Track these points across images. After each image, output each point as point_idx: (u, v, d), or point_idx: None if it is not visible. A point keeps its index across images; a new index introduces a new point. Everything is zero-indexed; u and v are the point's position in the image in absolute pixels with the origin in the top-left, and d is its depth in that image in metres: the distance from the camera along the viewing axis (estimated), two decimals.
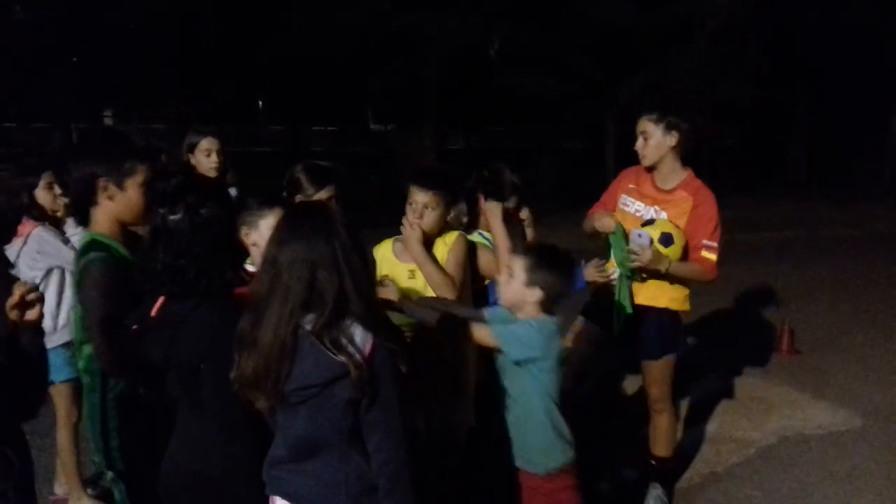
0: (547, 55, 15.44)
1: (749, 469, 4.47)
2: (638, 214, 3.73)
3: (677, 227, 3.55)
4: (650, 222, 3.58)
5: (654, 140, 3.62)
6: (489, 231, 3.33)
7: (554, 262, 2.68)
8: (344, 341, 1.88)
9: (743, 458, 4.62)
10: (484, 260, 3.26)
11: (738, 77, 16.19)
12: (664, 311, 3.69)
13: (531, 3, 14.99)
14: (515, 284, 2.68)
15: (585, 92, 16.21)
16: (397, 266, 3.10)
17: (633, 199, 3.77)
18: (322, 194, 3.06)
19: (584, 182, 14.05)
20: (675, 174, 3.68)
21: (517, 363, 2.63)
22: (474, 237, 3.40)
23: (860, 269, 10.67)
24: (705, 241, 3.58)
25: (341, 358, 1.86)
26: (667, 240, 3.47)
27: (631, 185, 3.81)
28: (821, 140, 23.06)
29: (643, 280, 3.62)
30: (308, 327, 1.89)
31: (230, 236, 2.30)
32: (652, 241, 3.45)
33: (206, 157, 3.98)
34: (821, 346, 6.82)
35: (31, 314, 2.06)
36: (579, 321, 3.98)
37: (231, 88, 18.49)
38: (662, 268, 3.48)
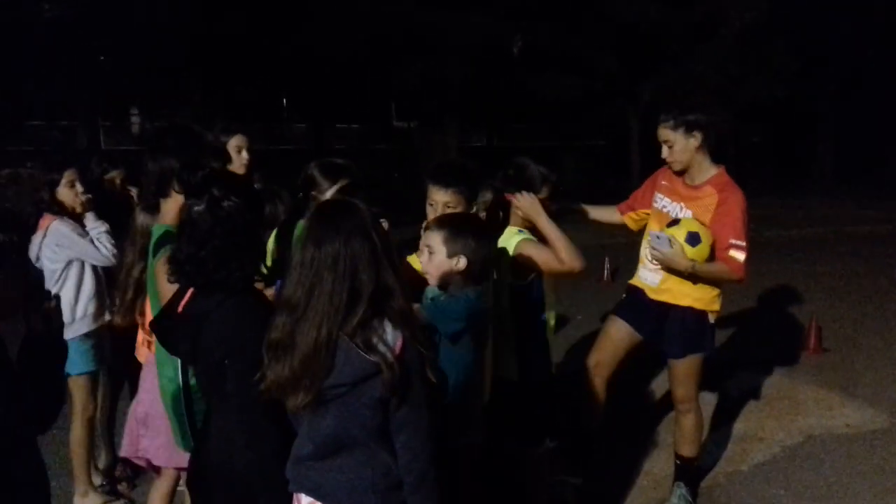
0: (570, 54, 15.39)
1: (775, 468, 4.44)
2: (665, 210, 3.74)
3: (704, 224, 3.53)
4: (675, 222, 3.58)
5: (678, 146, 3.60)
6: (525, 227, 3.29)
7: (470, 228, 2.59)
8: (375, 340, 1.88)
9: (769, 456, 4.59)
10: (535, 253, 3.13)
11: (764, 75, 16.02)
12: (688, 311, 3.67)
13: (554, 2, 14.94)
14: (438, 259, 2.56)
15: (609, 90, 16.12)
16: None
17: (662, 196, 3.79)
18: (336, 188, 3.02)
19: (607, 180, 14.02)
20: (705, 171, 3.66)
21: (451, 339, 2.51)
22: (514, 234, 3.27)
23: (887, 267, 10.54)
24: (732, 241, 3.53)
25: (373, 357, 1.86)
26: (693, 239, 3.45)
27: (664, 182, 3.82)
28: (847, 138, 22.76)
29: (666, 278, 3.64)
30: (345, 327, 1.89)
31: (253, 231, 2.28)
32: (671, 242, 3.45)
33: (237, 154, 4.01)
34: (848, 345, 6.76)
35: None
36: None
37: (255, 86, 18.63)
38: (684, 269, 3.47)
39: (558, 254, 3.07)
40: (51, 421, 2.18)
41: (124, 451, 3.15)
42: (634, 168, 15.96)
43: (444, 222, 2.60)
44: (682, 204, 3.67)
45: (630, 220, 4.08)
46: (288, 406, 1.95)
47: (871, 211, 16.33)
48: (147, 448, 2.98)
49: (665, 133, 3.62)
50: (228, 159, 3.49)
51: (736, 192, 3.61)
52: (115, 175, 4.25)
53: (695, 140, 3.58)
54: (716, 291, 3.69)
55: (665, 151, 3.66)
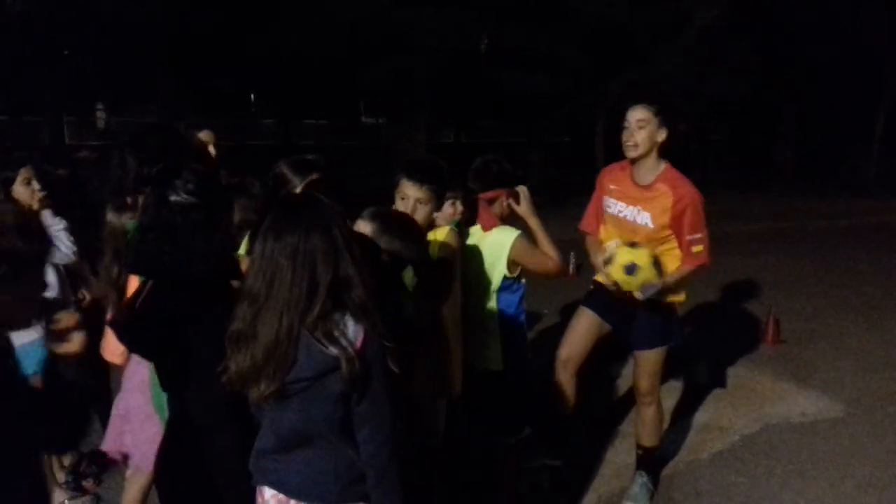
0: (537, 51, 15.50)
1: (733, 456, 4.57)
2: (622, 215, 3.74)
3: (635, 245, 3.53)
4: (609, 261, 3.54)
5: (648, 131, 3.60)
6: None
7: (398, 227, 2.57)
8: (336, 334, 1.89)
9: (728, 445, 4.72)
10: (530, 252, 3.29)
11: (726, 73, 16.29)
12: (655, 304, 3.70)
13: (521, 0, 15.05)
14: None
15: (575, 87, 16.26)
16: None
17: (615, 200, 3.77)
18: (307, 184, 3.03)
19: (573, 176, 14.17)
20: (654, 168, 3.69)
21: None
22: (510, 231, 3.36)
23: (845, 261, 10.82)
24: (690, 237, 3.60)
25: (333, 351, 1.87)
26: (630, 269, 3.46)
27: (612, 186, 3.81)
28: (808, 135, 23.23)
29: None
30: (305, 319, 1.89)
31: (215, 226, 2.25)
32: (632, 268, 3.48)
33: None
34: (806, 336, 6.94)
35: (69, 346, 2.11)
36: None
37: (223, 82, 18.47)
38: (662, 286, 3.55)
39: (548, 254, 3.23)
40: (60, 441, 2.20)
41: (106, 445, 3.15)
42: (599, 165, 16.09)
43: (376, 216, 2.56)
44: (639, 207, 3.67)
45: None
46: (250, 398, 1.94)
47: (830, 206, 16.71)
48: (129, 444, 3.00)
49: (644, 113, 3.60)
50: (209, 159, 3.49)
51: (689, 186, 3.65)
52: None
53: (662, 134, 3.63)
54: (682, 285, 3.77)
55: (630, 133, 3.62)
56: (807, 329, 7.17)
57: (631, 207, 3.70)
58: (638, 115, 3.61)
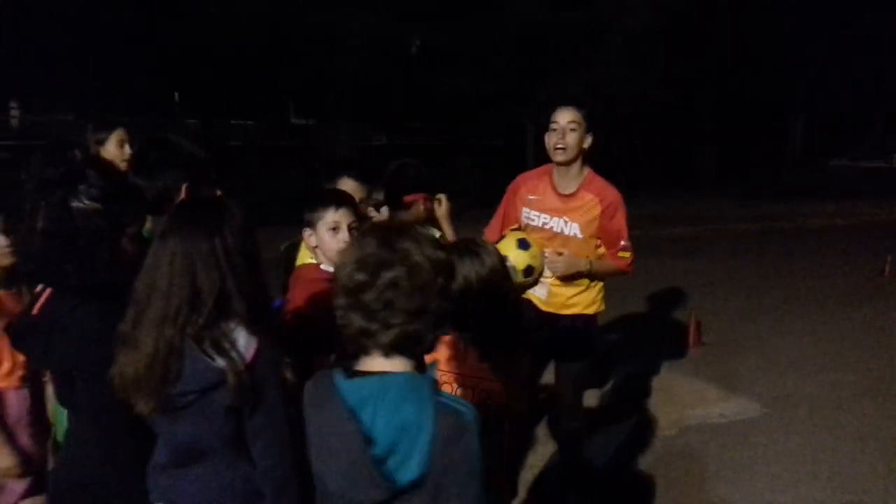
0: (466, 54, 15.58)
1: (653, 458, 4.66)
2: (547, 227, 3.60)
3: (525, 248, 3.33)
4: (525, 245, 3.33)
5: (579, 134, 3.47)
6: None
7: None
8: (226, 345, 1.81)
9: (648, 447, 4.81)
10: None
11: (650, 79, 16.69)
12: (578, 318, 3.65)
13: (450, 2, 15.09)
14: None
15: (504, 91, 16.40)
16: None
17: (537, 213, 3.62)
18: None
19: (503, 179, 14.26)
20: (577, 175, 3.57)
21: None
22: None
23: (762, 264, 11.23)
24: (618, 244, 3.56)
25: (220, 363, 1.79)
26: (523, 244, 3.32)
27: (531, 197, 3.65)
28: (728, 140, 24.02)
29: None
30: (188, 330, 1.81)
31: (121, 232, 2.13)
32: (530, 270, 3.34)
33: (118, 149, 3.84)
34: (725, 338, 7.15)
35: None
36: None
37: (144, 80, 17.92)
38: (584, 269, 3.49)
39: None
40: None
41: None
42: (529, 169, 16.32)
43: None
44: (565, 218, 3.54)
45: None
46: (138, 411, 1.84)
47: (748, 210, 17.32)
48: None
49: (574, 114, 3.46)
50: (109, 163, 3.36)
51: (614, 194, 3.55)
52: None
53: (589, 139, 3.51)
54: (601, 294, 3.71)
55: (560, 135, 3.46)
56: (727, 331, 7.39)
57: (557, 219, 3.56)
58: (569, 117, 3.46)
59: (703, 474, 4.46)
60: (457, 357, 2.28)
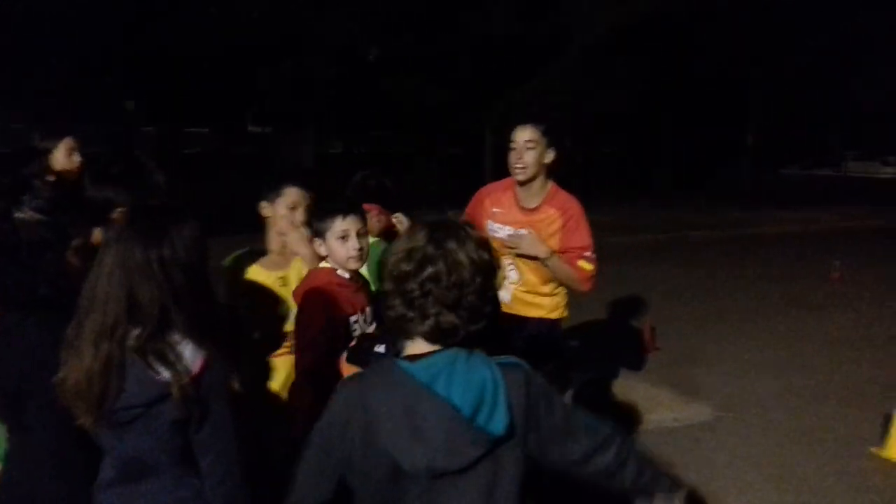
0: (427, 63, 15.63)
1: None
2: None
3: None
4: None
5: (538, 151, 3.45)
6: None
7: None
8: (171, 358, 1.77)
9: None
10: None
11: (610, 88, 16.91)
12: (541, 322, 3.65)
13: (413, 12, 15.13)
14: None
15: (464, 100, 16.47)
16: (267, 276, 3.07)
17: (500, 225, 3.62)
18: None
19: (463, 188, 14.31)
20: (540, 190, 3.56)
21: None
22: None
23: (718, 270, 11.44)
24: (583, 253, 3.50)
25: (165, 376, 1.75)
26: None
27: (495, 209, 3.66)
28: (687, 149, 24.45)
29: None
30: (130, 342, 1.77)
31: (63, 244, 2.07)
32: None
33: (67, 158, 3.76)
34: (680, 343, 7.25)
35: None
36: None
37: (98, 86, 17.61)
38: (544, 254, 3.41)
39: None
40: None
41: None
42: (488, 177, 16.38)
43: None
44: (528, 230, 3.53)
45: None
46: (81, 424, 1.80)
47: (706, 218, 17.63)
48: None
49: (532, 133, 3.44)
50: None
51: (576, 207, 3.55)
52: None
53: (550, 155, 3.49)
54: (565, 300, 3.70)
55: (518, 154, 3.46)
56: (682, 337, 7.50)
57: (505, 226, 3.59)
58: (526, 136, 3.44)
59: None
60: None
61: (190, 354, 1.81)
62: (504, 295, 3.62)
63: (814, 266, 11.60)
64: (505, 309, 3.62)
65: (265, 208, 3.06)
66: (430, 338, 1.69)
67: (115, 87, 18.36)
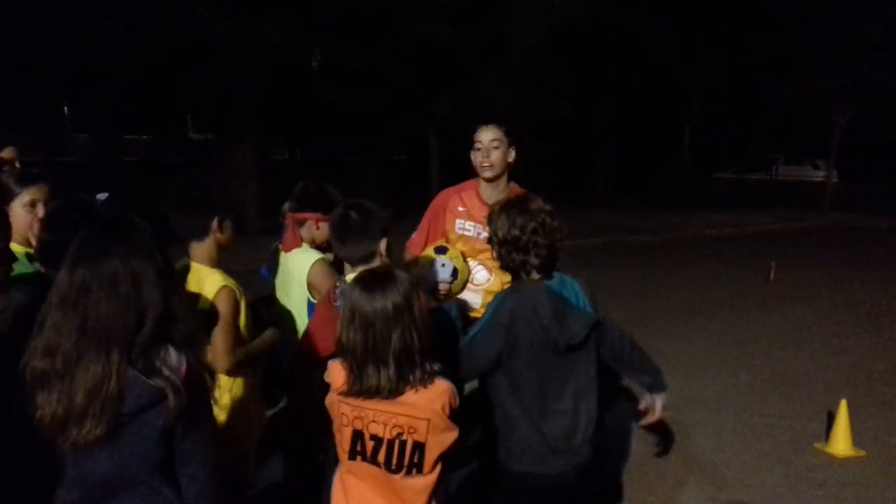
0: (367, 69, 15.55)
1: None
2: (467, 234, 3.68)
3: (463, 258, 3.53)
4: (443, 250, 3.49)
5: (503, 150, 3.55)
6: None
7: None
8: (158, 364, 1.75)
9: None
10: (319, 275, 3.29)
11: (548, 94, 17.10)
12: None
13: (352, 17, 15.04)
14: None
15: (406, 105, 16.44)
16: None
17: (462, 220, 3.70)
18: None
19: (408, 194, 14.30)
20: (503, 189, 3.66)
21: None
22: (307, 253, 3.37)
23: (658, 272, 11.68)
24: None
25: (157, 382, 1.72)
26: (454, 274, 3.43)
27: (461, 208, 3.73)
28: (624, 154, 24.91)
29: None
30: (134, 352, 1.75)
31: None
32: (456, 272, 3.43)
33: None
34: None
35: None
36: None
37: (31, 91, 17.02)
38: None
39: None
40: None
41: None
42: (434, 182, 16.39)
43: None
44: (483, 224, 3.47)
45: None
46: (69, 442, 1.72)
47: (642, 222, 17.99)
48: None
49: (496, 132, 3.54)
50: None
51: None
52: None
53: (512, 154, 3.59)
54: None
55: (485, 153, 3.55)
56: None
57: (477, 225, 3.66)
58: (491, 136, 3.54)
59: (609, 480, 4.56)
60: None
61: (175, 359, 1.78)
62: (474, 298, 3.63)
63: (750, 267, 11.96)
64: (474, 315, 3.57)
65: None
66: (539, 270, 2.65)
67: (49, 92, 17.77)
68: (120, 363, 1.71)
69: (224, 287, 2.76)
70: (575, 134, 23.17)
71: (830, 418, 5.25)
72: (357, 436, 2.30)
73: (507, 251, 2.64)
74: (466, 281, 3.55)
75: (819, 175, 24.86)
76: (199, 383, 1.83)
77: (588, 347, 2.68)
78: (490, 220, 2.76)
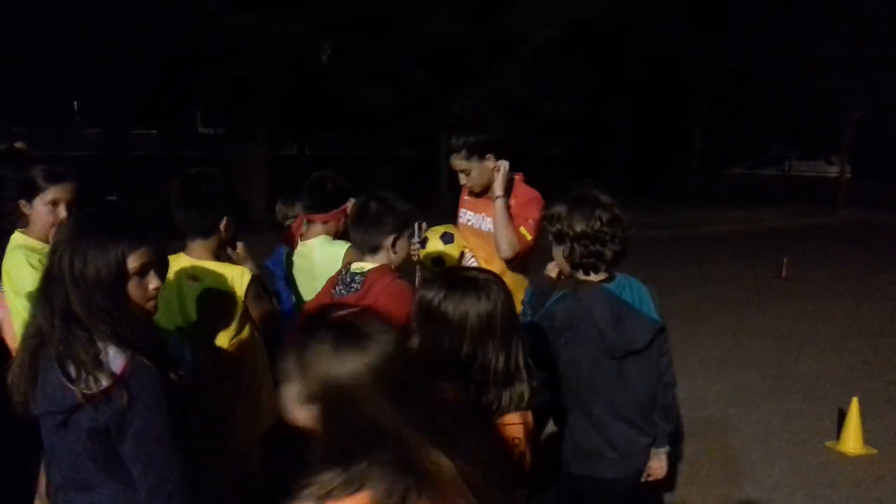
0: (380, 65, 15.52)
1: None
2: (470, 224, 3.75)
3: (448, 241, 3.68)
4: (449, 237, 3.68)
5: (475, 172, 3.57)
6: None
7: None
8: (89, 365, 1.69)
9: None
10: None
11: (562, 90, 17.03)
12: None
13: (364, 13, 15.01)
14: None
15: (418, 102, 16.41)
16: None
17: (466, 210, 3.81)
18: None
19: (418, 190, 14.27)
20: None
21: None
22: (337, 244, 3.35)
23: (669, 269, 11.59)
24: (528, 220, 3.54)
25: (74, 386, 1.67)
26: (447, 237, 3.66)
27: (466, 197, 3.82)
28: (636, 150, 24.79)
29: None
30: (59, 347, 1.73)
31: None
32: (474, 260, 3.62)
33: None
34: None
35: None
36: None
37: (41, 87, 17.10)
38: (499, 189, 3.49)
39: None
40: None
41: None
42: (443, 178, 16.36)
43: None
44: (483, 214, 3.67)
45: None
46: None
47: (655, 217, 17.88)
48: None
49: (460, 164, 3.57)
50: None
51: (530, 193, 3.64)
52: None
53: (490, 160, 3.55)
54: (525, 281, 3.66)
55: (462, 179, 3.65)
56: None
57: (478, 215, 3.71)
58: (459, 167, 3.59)
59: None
60: None
61: (112, 357, 1.73)
62: None
63: (762, 264, 11.86)
64: None
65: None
66: (612, 263, 2.67)
67: (60, 89, 17.85)
68: (36, 351, 1.74)
69: (253, 277, 2.83)
70: (587, 130, 23.04)
71: (842, 416, 5.19)
72: None
73: (584, 245, 2.64)
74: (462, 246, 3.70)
75: (833, 171, 24.64)
76: (142, 382, 1.74)
77: (651, 353, 2.68)
78: (554, 219, 2.73)
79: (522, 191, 3.67)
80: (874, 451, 4.91)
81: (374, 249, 2.83)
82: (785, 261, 10.94)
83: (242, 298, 2.75)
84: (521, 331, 2.01)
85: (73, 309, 1.72)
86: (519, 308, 3.32)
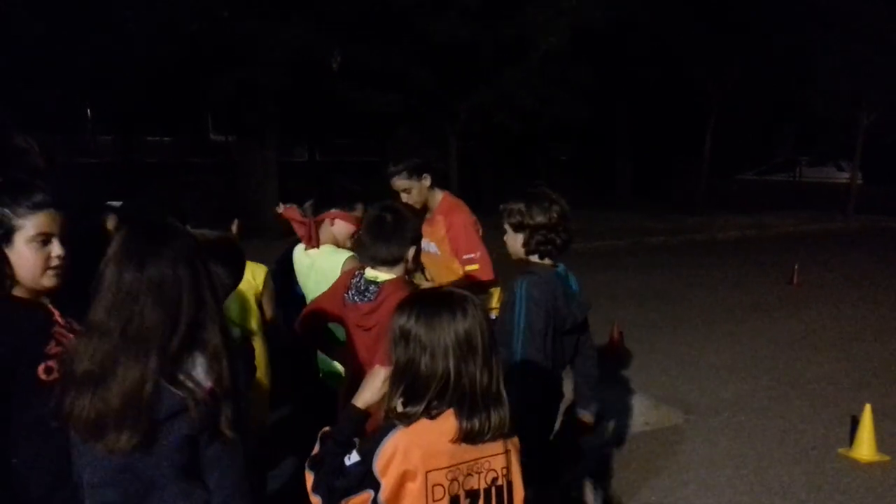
0: (388, 69, 15.57)
1: (581, 469, 4.69)
2: (428, 251, 3.96)
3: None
4: None
5: (415, 190, 3.94)
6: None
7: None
8: (184, 375, 1.75)
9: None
10: None
11: (569, 95, 17.03)
12: None
13: (372, 18, 15.07)
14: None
15: (427, 106, 16.44)
16: None
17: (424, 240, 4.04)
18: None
19: None
20: (435, 202, 4.06)
21: None
22: (339, 253, 3.41)
23: (679, 275, 11.57)
24: (464, 256, 3.93)
25: (181, 391, 1.72)
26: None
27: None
28: (644, 155, 24.74)
29: None
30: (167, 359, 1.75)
31: None
32: None
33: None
34: (647, 348, 7.31)
35: None
36: None
37: (55, 95, 17.22)
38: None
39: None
40: None
41: None
42: (454, 184, 16.38)
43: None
44: (427, 239, 3.84)
45: None
46: (106, 447, 1.71)
47: (664, 223, 17.85)
48: None
49: (401, 184, 3.92)
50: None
51: (460, 213, 4.02)
52: None
53: (426, 180, 3.95)
54: (496, 295, 4.05)
55: (405, 197, 3.93)
56: (648, 341, 7.56)
57: (429, 242, 3.95)
58: (401, 186, 3.94)
59: (631, 483, 4.53)
60: None
61: (202, 369, 1.78)
62: None
63: (773, 270, 11.83)
64: None
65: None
66: (561, 249, 3.07)
67: (72, 95, 17.97)
68: (157, 369, 1.71)
69: (268, 273, 3.02)
70: (595, 134, 23.03)
71: (854, 423, 5.16)
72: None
73: (542, 234, 2.99)
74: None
75: (843, 177, 24.51)
76: (227, 394, 1.81)
77: (580, 331, 3.20)
78: (514, 212, 3.04)
79: (449, 214, 4.01)
80: (887, 458, 4.88)
81: (395, 261, 2.83)
82: (796, 267, 10.91)
83: (259, 291, 2.83)
84: (498, 350, 1.92)
85: (182, 320, 1.78)
86: (496, 312, 3.66)
